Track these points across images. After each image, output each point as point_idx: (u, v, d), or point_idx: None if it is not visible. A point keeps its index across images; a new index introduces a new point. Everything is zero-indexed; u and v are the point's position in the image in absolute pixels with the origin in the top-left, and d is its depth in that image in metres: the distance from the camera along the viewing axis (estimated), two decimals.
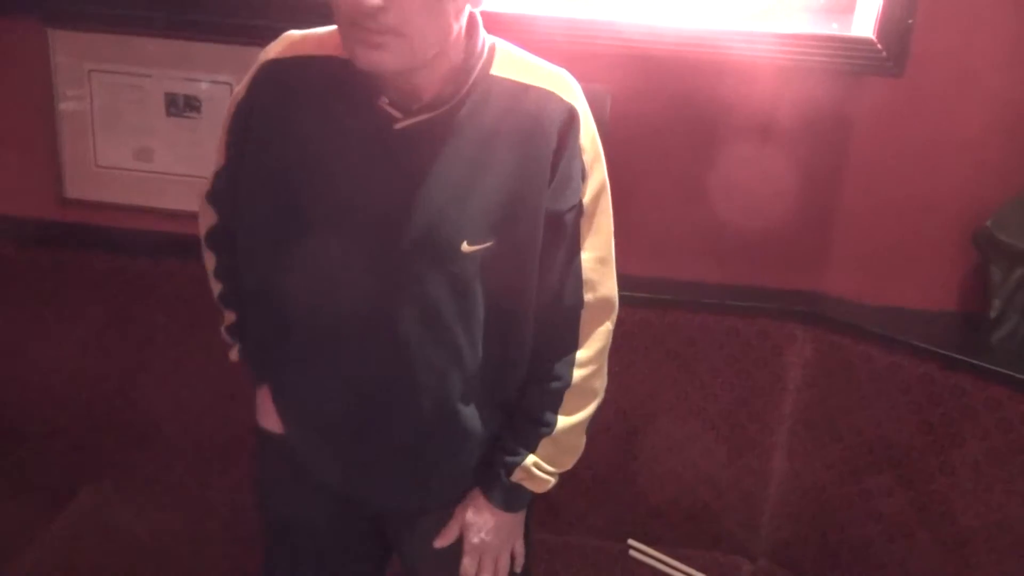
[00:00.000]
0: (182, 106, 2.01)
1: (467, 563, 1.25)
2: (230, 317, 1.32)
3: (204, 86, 1.99)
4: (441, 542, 1.25)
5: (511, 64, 1.11)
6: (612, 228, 1.21)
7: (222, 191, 1.22)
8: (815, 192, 2.03)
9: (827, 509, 1.94)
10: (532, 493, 1.25)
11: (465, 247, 1.08)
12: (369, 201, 1.07)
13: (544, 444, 1.22)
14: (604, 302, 1.22)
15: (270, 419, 1.28)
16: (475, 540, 1.24)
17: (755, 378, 1.98)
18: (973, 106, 1.92)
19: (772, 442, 2.00)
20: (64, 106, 2.00)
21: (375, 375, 1.14)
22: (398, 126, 1.05)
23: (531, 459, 1.22)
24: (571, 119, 1.10)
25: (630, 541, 2.03)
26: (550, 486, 1.26)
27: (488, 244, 1.09)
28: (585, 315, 1.20)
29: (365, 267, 1.09)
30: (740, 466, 2.02)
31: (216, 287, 1.31)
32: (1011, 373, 1.69)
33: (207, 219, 1.28)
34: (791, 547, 2.02)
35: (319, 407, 1.21)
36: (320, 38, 1.12)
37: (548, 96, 1.09)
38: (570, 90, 1.12)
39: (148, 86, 1.99)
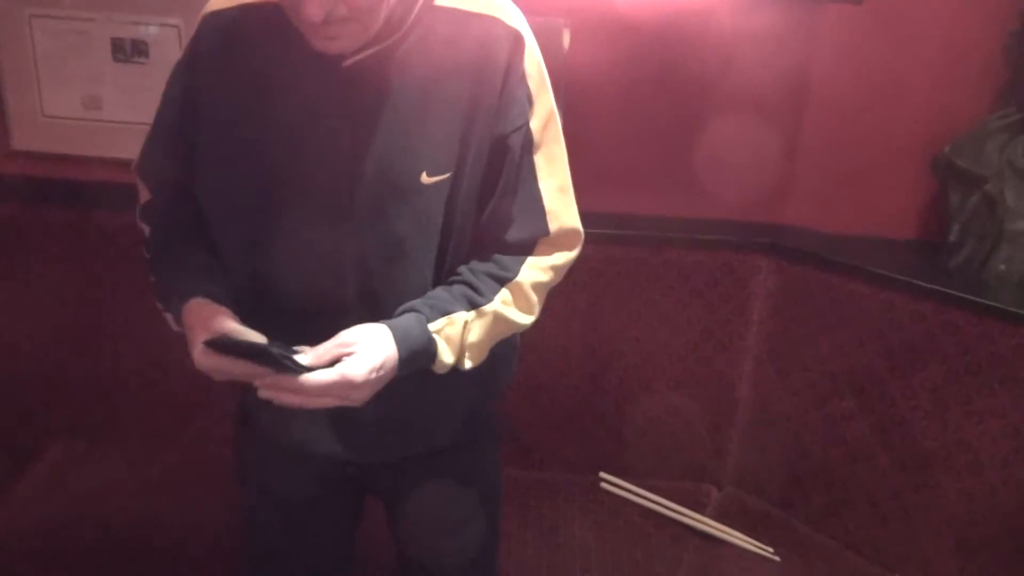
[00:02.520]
0: (129, 51, 1.94)
1: (323, 383, 1.00)
2: (155, 285, 1.20)
3: (152, 30, 1.93)
4: (303, 357, 1.01)
5: None
6: (566, 157, 1.17)
7: (152, 164, 1.18)
8: (776, 123, 2.03)
9: (792, 436, 1.99)
10: (432, 362, 1.09)
11: (425, 179, 1.06)
12: (326, 142, 1.05)
13: (487, 308, 1.12)
14: (570, 232, 1.18)
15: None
16: (351, 370, 1.00)
17: (720, 311, 2.00)
18: (932, 34, 1.93)
19: (738, 373, 2.03)
20: (5, 54, 1.92)
21: (345, 317, 1.08)
22: (346, 63, 1.02)
23: (460, 316, 1.10)
24: (517, 43, 1.08)
25: (601, 474, 2.07)
26: (444, 366, 1.11)
27: (447, 175, 1.07)
28: (546, 245, 1.16)
29: (328, 208, 1.06)
30: (707, 397, 2.05)
31: (147, 259, 1.22)
32: (968, 297, 1.73)
33: (141, 192, 1.23)
34: (757, 474, 2.06)
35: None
36: None
37: (493, 22, 1.07)
38: (514, 16, 1.10)
39: (93, 31, 1.92)
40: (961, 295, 1.74)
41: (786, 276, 1.96)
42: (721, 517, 1.98)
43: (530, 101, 1.10)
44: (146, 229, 1.23)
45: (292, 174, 1.06)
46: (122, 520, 1.81)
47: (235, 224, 1.11)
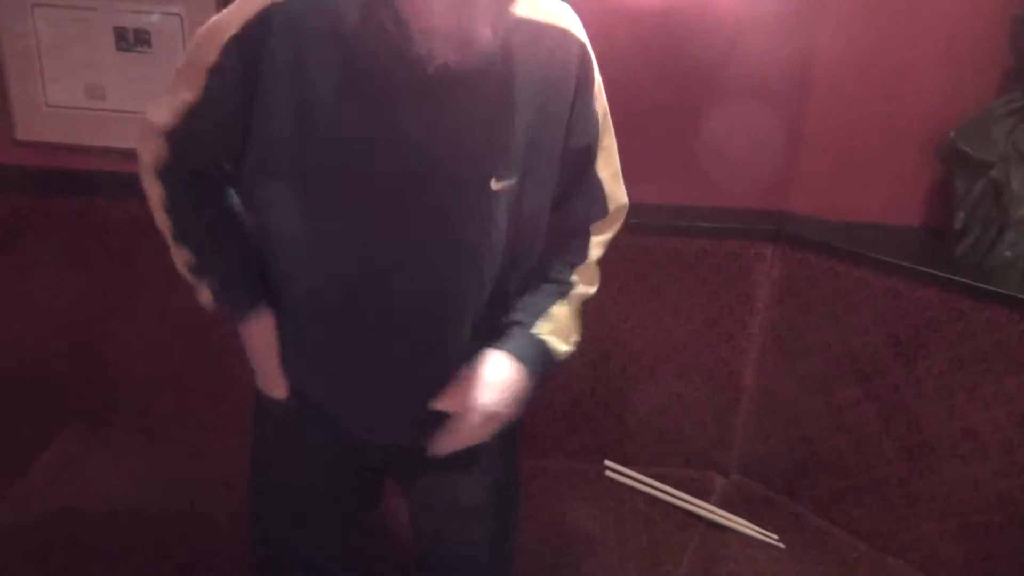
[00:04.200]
0: (132, 40, 1.94)
1: (471, 422, 1.15)
2: (185, 255, 1.21)
3: (155, 18, 1.92)
4: (440, 404, 1.15)
5: (526, 2, 1.07)
6: (615, 141, 1.24)
7: (185, 129, 1.12)
8: (780, 110, 2.02)
9: (796, 423, 1.99)
10: (553, 357, 1.22)
11: (494, 184, 1.08)
12: (401, 142, 1.05)
13: (565, 301, 1.25)
14: (621, 208, 1.28)
15: (275, 382, 1.22)
16: (488, 398, 1.13)
17: (725, 298, 2.00)
18: (936, 19, 1.91)
19: (742, 360, 2.03)
20: (8, 44, 1.92)
21: (404, 317, 1.13)
22: (431, 70, 0.99)
23: (559, 308, 1.23)
24: (584, 57, 1.13)
25: (606, 462, 2.07)
26: (566, 355, 1.25)
27: (513, 181, 1.09)
28: (604, 224, 1.27)
29: (398, 209, 1.07)
30: (711, 385, 2.05)
31: (165, 222, 1.21)
32: (974, 283, 1.72)
33: (156, 151, 1.17)
34: (762, 461, 2.07)
35: (346, 353, 1.18)
36: None
37: (563, 34, 1.10)
38: (576, 24, 1.13)
39: (95, 20, 1.92)
40: (966, 281, 1.73)
41: (791, 263, 1.96)
42: (726, 504, 1.98)
43: (602, 116, 1.17)
44: (159, 191, 1.19)
45: (364, 175, 1.06)
46: (131, 506, 1.82)
47: (299, 212, 1.09)
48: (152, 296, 1.99)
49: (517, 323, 1.20)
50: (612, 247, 1.99)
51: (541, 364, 1.20)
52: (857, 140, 2.01)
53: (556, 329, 1.21)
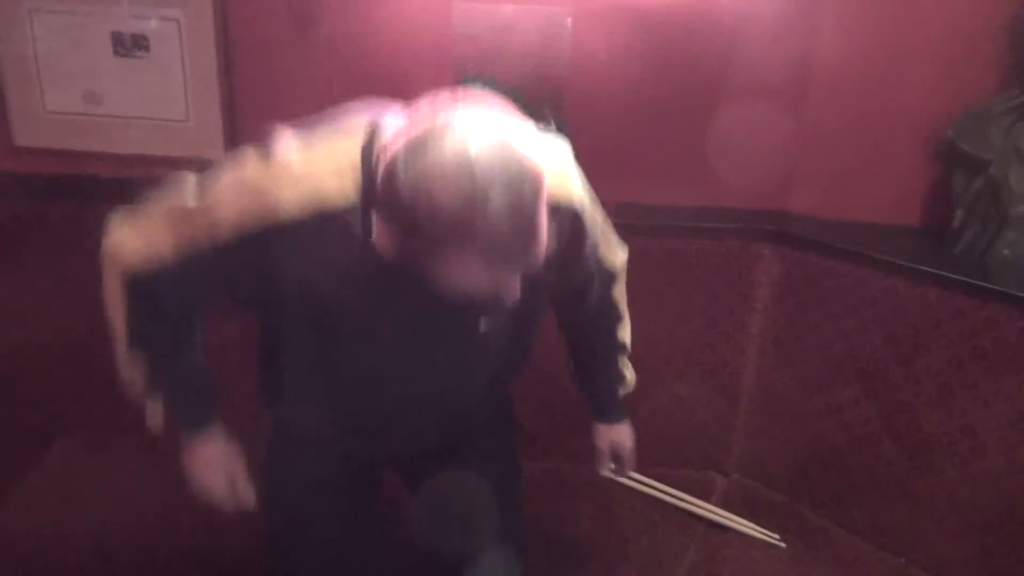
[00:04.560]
0: (130, 45, 1.94)
1: (628, 463, 1.64)
2: (140, 365, 1.23)
3: (153, 23, 1.92)
4: (603, 471, 1.64)
5: None
6: (601, 217, 1.37)
7: (150, 287, 1.17)
8: (779, 111, 2.02)
9: (796, 423, 1.99)
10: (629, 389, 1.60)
11: (482, 326, 1.22)
12: (405, 316, 1.17)
13: (623, 360, 1.58)
14: (622, 265, 1.49)
15: (225, 499, 1.34)
16: (627, 448, 1.63)
17: (724, 298, 2.00)
18: (934, 18, 1.92)
19: (742, 361, 2.04)
20: (6, 50, 1.92)
21: (410, 410, 1.32)
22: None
23: (628, 376, 1.59)
24: (575, 221, 1.24)
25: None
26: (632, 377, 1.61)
27: (500, 319, 1.25)
28: (620, 278, 1.50)
29: (403, 350, 1.22)
30: (712, 386, 2.06)
31: (122, 326, 1.22)
32: (973, 282, 1.72)
33: (128, 258, 1.19)
34: (762, 461, 2.07)
35: (364, 426, 1.35)
36: (330, 182, 1.06)
37: (555, 209, 1.09)
38: (568, 184, 1.22)
39: (92, 25, 1.92)
40: (965, 280, 1.73)
41: (790, 263, 1.96)
42: (727, 505, 1.98)
43: (593, 243, 1.33)
44: (120, 296, 1.21)
45: (380, 357, 1.22)
46: (131, 514, 1.82)
47: (315, 342, 1.22)
48: None
49: (603, 398, 1.60)
50: None
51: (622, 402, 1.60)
52: (856, 140, 2.01)
53: (626, 385, 1.60)
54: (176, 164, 2.07)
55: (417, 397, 1.29)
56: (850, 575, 1.80)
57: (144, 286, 1.18)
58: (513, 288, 1.04)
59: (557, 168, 1.18)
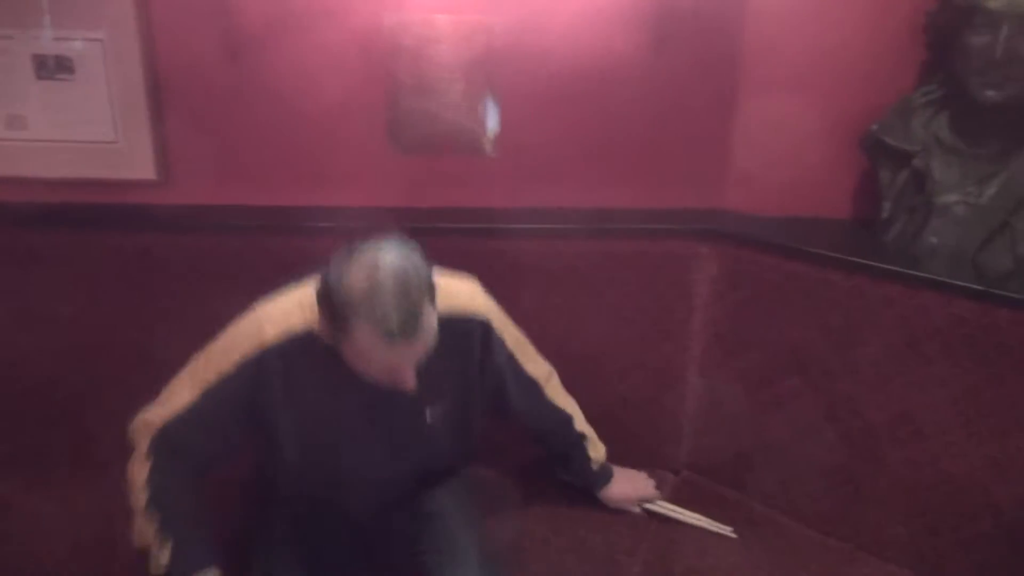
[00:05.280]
0: (53, 68, 1.90)
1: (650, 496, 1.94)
2: (154, 522, 1.44)
3: (77, 45, 1.89)
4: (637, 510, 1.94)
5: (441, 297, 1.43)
6: (518, 334, 1.74)
7: (176, 435, 1.46)
8: (709, 110, 2.06)
9: (742, 417, 2.02)
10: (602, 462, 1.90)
11: (428, 417, 1.59)
12: (360, 424, 1.54)
13: (588, 445, 1.89)
14: (549, 374, 1.82)
15: None
16: (636, 503, 1.93)
17: (665, 298, 2.02)
18: (856, 16, 1.97)
19: (686, 358, 2.06)
20: None
21: (375, 495, 1.64)
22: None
23: (595, 456, 1.90)
24: (486, 331, 1.62)
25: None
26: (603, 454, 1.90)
27: (442, 412, 1.61)
28: (549, 388, 1.81)
29: (382, 458, 1.59)
30: (657, 385, 2.08)
31: (142, 494, 1.45)
32: (903, 271, 1.77)
33: (151, 437, 1.47)
34: (710, 456, 2.09)
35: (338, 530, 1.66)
36: (295, 315, 1.45)
37: (466, 320, 1.58)
38: (477, 302, 1.62)
39: (13, 48, 1.88)
40: (895, 269, 1.78)
41: (727, 260, 1.99)
42: (678, 501, 2.00)
43: (507, 353, 1.68)
44: (145, 465, 1.46)
45: (351, 450, 1.56)
46: (78, 549, 1.77)
47: (297, 461, 1.55)
48: (80, 329, 1.96)
49: (585, 477, 1.92)
50: (550, 253, 2.02)
51: (607, 474, 1.91)
52: (786, 137, 2.06)
53: (595, 459, 1.89)
54: (106, 187, 2.05)
55: (381, 482, 1.61)
56: (800, 563, 1.83)
57: (169, 439, 1.46)
58: (408, 375, 1.37)
59: (464, 289, 1.60)
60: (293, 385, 1.46)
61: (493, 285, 1.89)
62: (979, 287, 1.70)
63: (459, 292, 1.58)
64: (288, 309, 1.47)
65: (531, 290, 2.00)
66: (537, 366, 1.78)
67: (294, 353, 1.44)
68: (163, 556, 1.43)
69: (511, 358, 1.70)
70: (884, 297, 1.79)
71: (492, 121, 2.07)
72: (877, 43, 1.99)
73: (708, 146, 2.10)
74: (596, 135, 2.07)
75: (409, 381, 1.37)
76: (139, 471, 1.46)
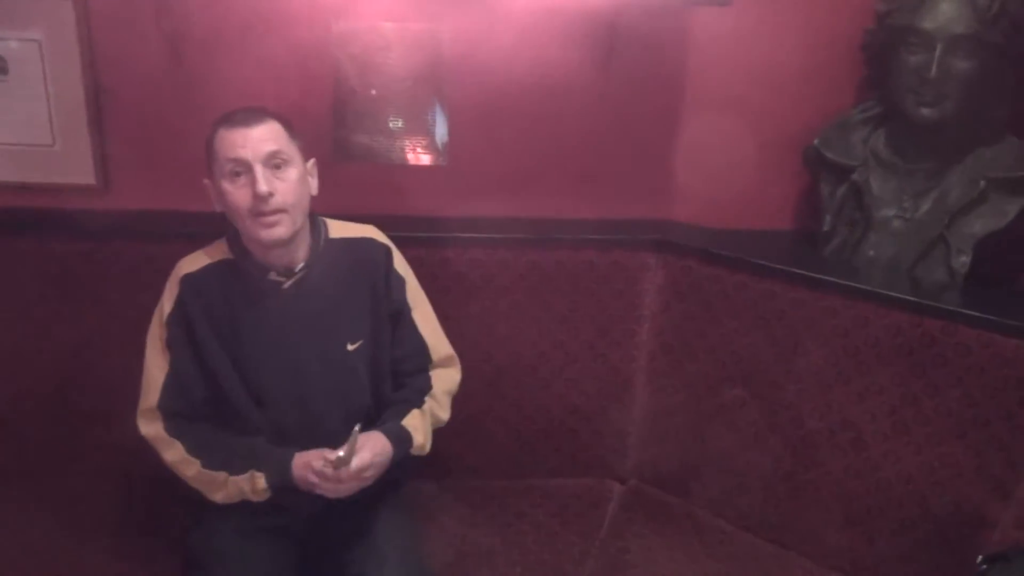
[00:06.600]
0: None
1: (355, 465, 1.54)
2: (219, 467, 1.58)
3: (12, 45, 1.84)
4: (344, 449, 1.54)
5: (339, 228, 1.69)
6: (431, 308, 1.78)
7: (172, 398, 1.59)
8: (656, 124, 2.09)
9: (688, 426, 2.04)
10: (410, 444, 1.66)
11: (349, 347, 1.66)
12: (286, 340, 1.61)
13: (424, 408, 1.72)
14: (448, 358, 1.79)
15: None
16: (368, 456, 1.57)
17: (613, 307, 2.04)
18: (796, 34, 2.02)
19: (633, 368, 2.08)
20: None
21: (317, 430, 1.63)
22: (284, 286, 1.60)
23: (415, 413, 1.69)
24: (388, 253, 1.72)
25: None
26: (422, 448, 1.68)
27: (361, 342, 1.67)
28: (436, 369, 1.76)
29: (298, 378, 1.63)
30: (605, 394, 2.09)
31: (185, 461, 1.58)
32: (842, 282, 1.82)
33: (159, 423, 1.59)
34: (657, 465, 2.11)
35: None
36: (208, 252, 1.63)
37: (370, 242, 1.71)
38: (381, 234, 1.73)
39: None
40: (835, 280, 1.82)
41: (674, 271, 2.01)
42: (626, 510, 2.01)
43: (403, 286, 1.72)
44: (174, 444, 1.59)
45: (273, 367, 1.61)
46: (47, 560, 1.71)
47: (244, 397, 1.62)
48: (40, 334, 1.91)
49: (391, 419, 1.67)
50: (498, 262, 2.02)
51: (400, 446, 1.63)
52: (730, 151, 2.09)
53: (415, 427, 1.67)
54: (44, 192, 1.99)
55: (307, 406, 1.63)
56: (745, 571, 1.85)
57: (172, 410, 1.59)
58: (257, 173, 1.47)
59: (367, 225, 1.73)
60: (214, 304, 1.59)
61: (441, 294, 1.89)
62: (915, 299, 1.74)
63: (361, 226, 1.73)
64: (201, 252, 1.64)
65: (479, 299, 2.00)
66: (440, 344, 1.78)
67: (209, 278, 1.60)
68: (254, 480, 1.56)
69: (409, 309, 1.73)
70: (825, 308, 1.82)
71: (441, 130, 2.06)
72: (817, 61, 2.04)
73: (655, 159, 2.12)
74: (545, 146, 2.08)
75: (260, 183, 1.46)
76: (174, 454, 1.58)
